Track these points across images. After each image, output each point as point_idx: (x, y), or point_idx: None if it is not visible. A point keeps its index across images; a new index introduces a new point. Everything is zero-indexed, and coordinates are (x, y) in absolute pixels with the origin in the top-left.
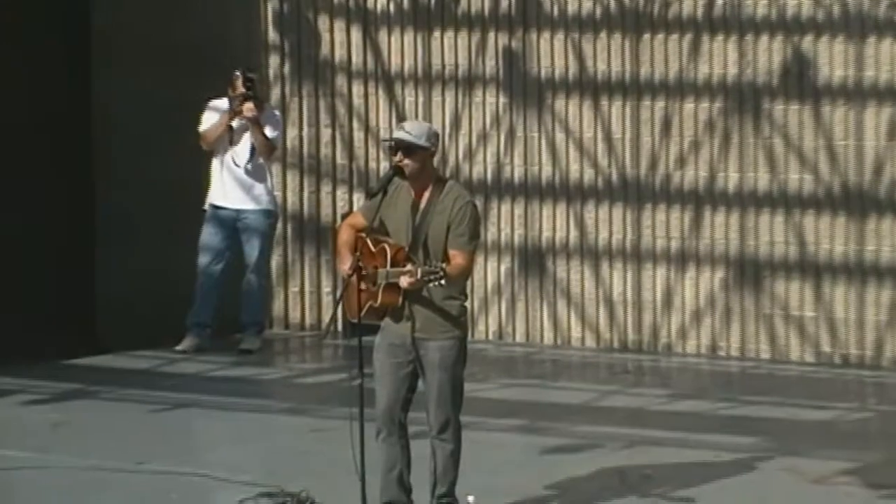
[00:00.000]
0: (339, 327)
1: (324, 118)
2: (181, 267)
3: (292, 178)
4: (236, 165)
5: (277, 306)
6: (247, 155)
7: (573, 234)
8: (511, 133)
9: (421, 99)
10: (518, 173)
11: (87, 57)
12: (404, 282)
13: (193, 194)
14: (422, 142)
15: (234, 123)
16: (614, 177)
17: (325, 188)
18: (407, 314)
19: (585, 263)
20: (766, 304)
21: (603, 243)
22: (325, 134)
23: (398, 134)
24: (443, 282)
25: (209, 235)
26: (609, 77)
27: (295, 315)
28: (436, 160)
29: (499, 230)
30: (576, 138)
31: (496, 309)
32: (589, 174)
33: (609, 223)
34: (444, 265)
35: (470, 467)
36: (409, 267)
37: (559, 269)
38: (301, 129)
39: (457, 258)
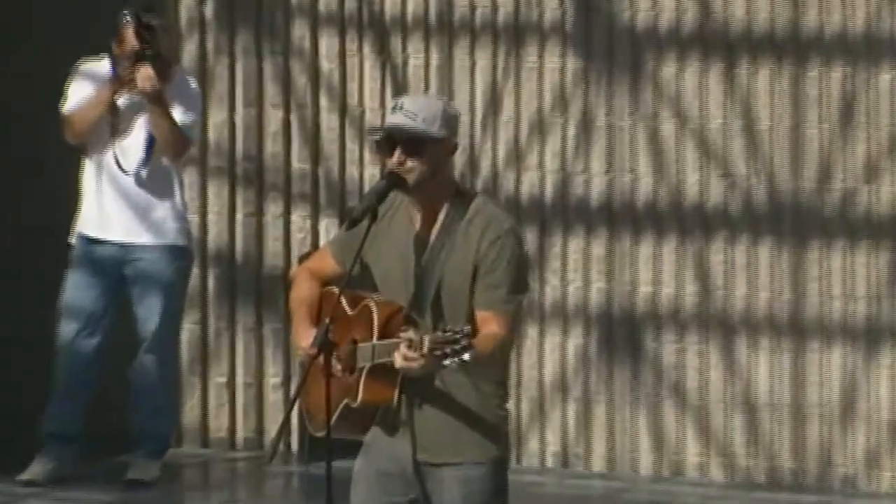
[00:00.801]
0: (295, 444)
1: (272, 92)
2: (30, 339)
3: (217, 194)
4: (123, 171)
5: (192, 408)
6: (140, 154)
7: (690, 290)
8: (586, 120)
9: (434, 61)
10: (597, 188)
11: None
12: (400, 360)
13: (53, 220)
14: (434, 130)
15: (121, 101)
16: (759, 195)
17: (273, 209)
18: (406, 421)
19: (711, 340)
20: None
21: (740, 306)
22: (274, 118)
23: (394, 118)
24: (466, 357)
25: (78, 289)
26: (750, 31)
27: (219, 423)
28: (456, 163)
29: (564, 283)
30: (695, 130)
31: (559, 415)
32: (717, 191)
33: (751, 273)
34: (467, 328)
35: None
36: (409, 334)
37: (666, 350)
38: (233, 110)
39: (490, 324)
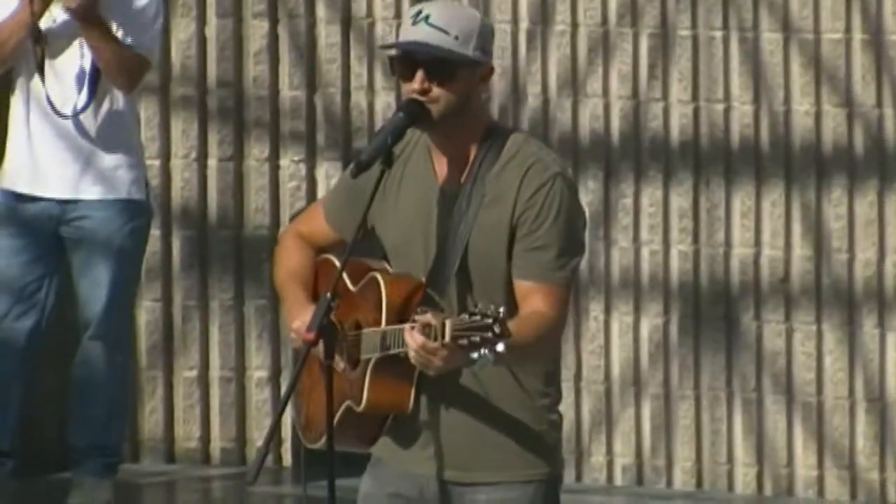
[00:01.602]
0: (287, 458)
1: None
2: None
3: (183, 132)
4: (57, 113)
5: (152, 411)
6: (82, 89)
7: (799, 253)
8: (664, 32)
9: None
10: (679, 121)
11: None
12: (415, 351)
13: None
14: (467, 48)
15: (47, 22)
16: (889, 129)
17: (256, 152)
18: (427, 429)
19: (826, 318)
20: None
21: (865, 274)
22: (257, 31)
23: (418, 32)
24: (500, 348)
25: (3, 258)
26: None
27: (189, 431)
28: (495, 90)
29: (636, 245)
30: (805, 44)
31: (631, 418)
32: (834, 123)
33: (879, 230)
34: (500, 310)
35: None
36: (426, 317)
37: (769, 331)
38: (203, 21)
39: (533, 299)
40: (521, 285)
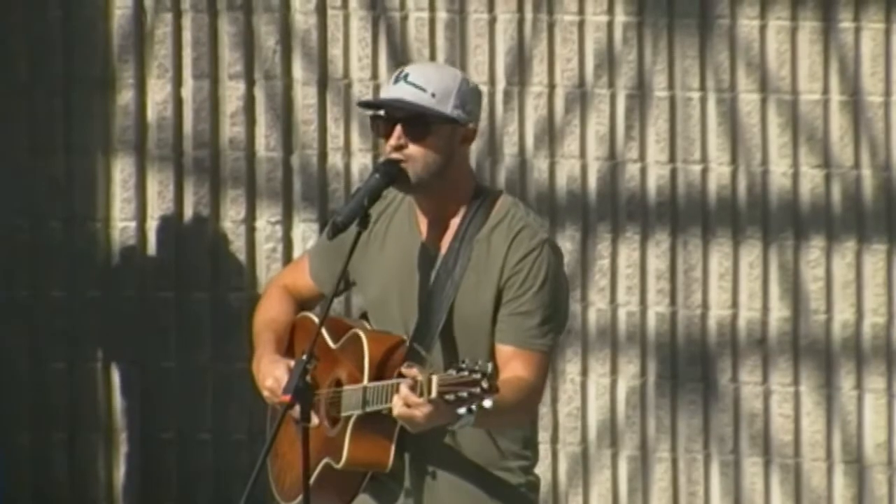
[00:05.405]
0: None
1: (230, 59)
2: None
3: (159, 193)
4: None
5: (129, 473)
6: None
7: (777, 314)
8: (641, 92)
9: (442, 17)
10: (656, 181)
11: None
12: (400, 407)
13: None
14: (447, 108)
15: None
16: (867, 189)
17: (233, 213)
18: (407, 487)
19: (804, 379)
20: None
21: (843, 334)
22: (234, 93)
23: (395, 90)
24: (487, 403)
25: None
26: None
27: (167, 493)
28: (474, 153)
29: (613, 306)
30: (783, 104)
31: (607, 478)
32: (812, 184)
33: (857, 291)
34: (489, 365)
35: None
36: (412, 372)
37: (746, 392)
38: (179, 83)
39: (514, 365)
40: (503, 350)
